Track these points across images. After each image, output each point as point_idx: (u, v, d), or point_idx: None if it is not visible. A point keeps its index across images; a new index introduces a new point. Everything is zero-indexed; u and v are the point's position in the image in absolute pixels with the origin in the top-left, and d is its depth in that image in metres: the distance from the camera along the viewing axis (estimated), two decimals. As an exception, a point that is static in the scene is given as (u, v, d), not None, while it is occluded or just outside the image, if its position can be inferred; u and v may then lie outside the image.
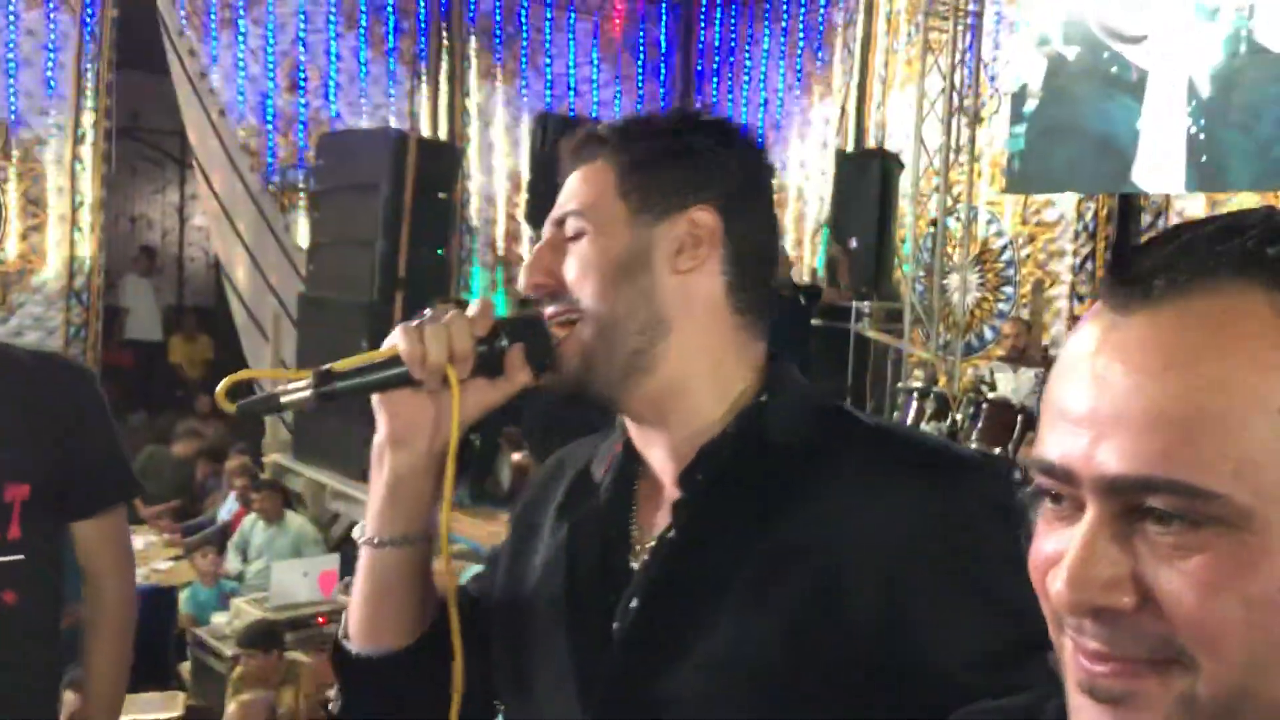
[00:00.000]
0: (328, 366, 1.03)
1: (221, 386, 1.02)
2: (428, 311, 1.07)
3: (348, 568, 6.34)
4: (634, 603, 1.05)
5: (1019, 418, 5.45)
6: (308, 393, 1.01)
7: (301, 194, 8.94)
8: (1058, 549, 0.58)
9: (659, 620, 1.04)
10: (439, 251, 7.81)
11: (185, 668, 6.01)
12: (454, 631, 1.07)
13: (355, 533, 1.10)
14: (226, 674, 5.39)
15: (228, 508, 7.93)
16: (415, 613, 1.11)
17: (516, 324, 1.09)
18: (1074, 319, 7.06)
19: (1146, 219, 7.35)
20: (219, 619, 5.87)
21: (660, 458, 1.11)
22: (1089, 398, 0.56)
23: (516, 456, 6.90)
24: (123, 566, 1.99)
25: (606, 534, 1.11)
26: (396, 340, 1.03)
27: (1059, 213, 7.88)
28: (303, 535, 7.05)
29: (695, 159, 1.09)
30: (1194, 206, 7.05)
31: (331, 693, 1.18)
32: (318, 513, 7.68)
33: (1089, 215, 7.70)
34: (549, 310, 1.08)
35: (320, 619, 5.77)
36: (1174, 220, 7.19)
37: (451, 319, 1.04)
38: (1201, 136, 6.35)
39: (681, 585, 1.04)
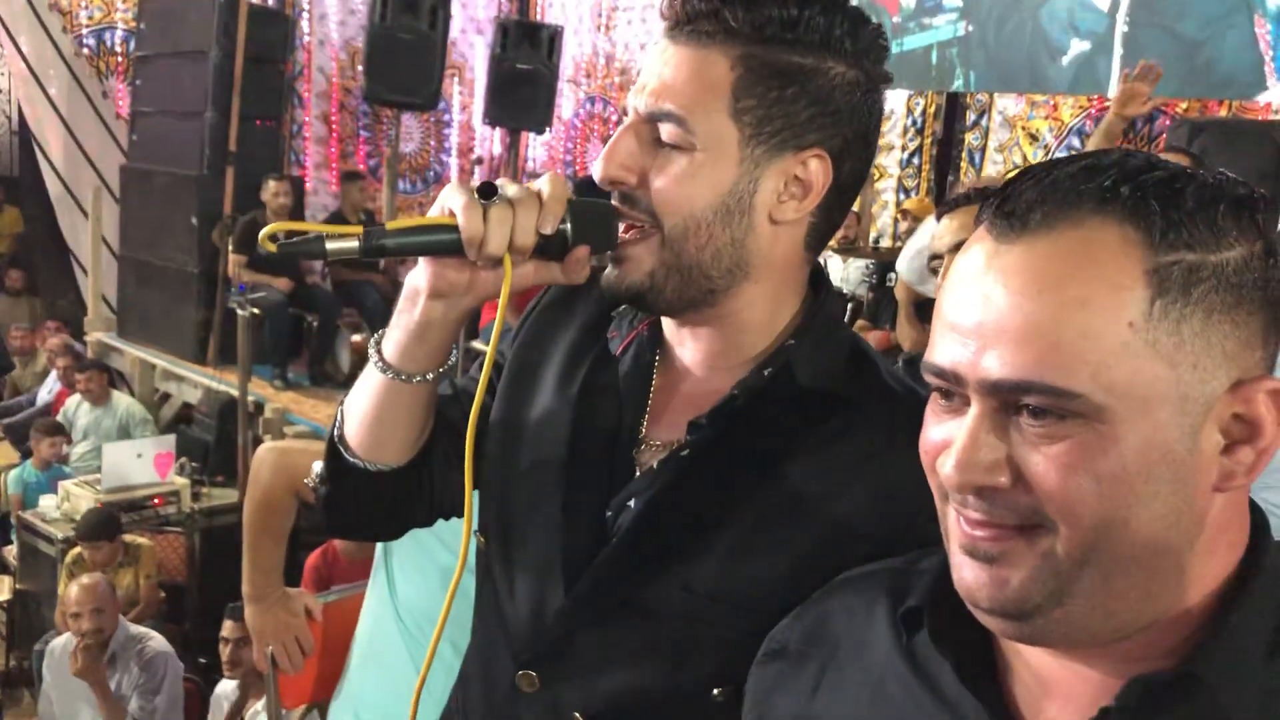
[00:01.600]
0: (382, 223, 0.98)
1: (265, 231, 0.96)
2: (499, 181, 0.99)
3: (184, 448, 6.23)
4: (632, 503, 1.06)
5: (848, 306, 5.71)
6: (355, 243, 0.96)
7: (119, 59, 8.40)
8: (945, 438, 0.70)
9: (653, 530, 1.04)
10: (272, 123, 7.53)
11: (11, 551, 5.84)
12: (468, 483, 1.05)
13: (371, 353, 1.08)
14: (57, 557, 5.27)
15: (48, 388, 7.62)
16: (416, 435, 1.12)
17: (587, 216, 1.00)
18: (901, 212, 7.35)
19: (972, 116, 7.67)
20: (47, 501, 5.71)
21: (691, 362, 1.09)
22: (975, 313, 0.67)
23: (356, 338, 6.84)
24: None
25: (618, 420, 1.09)
26: (457, 211, 0.96)
27: (889, 108, 8.13)
28: (130, 415, 6.85)
29: (826, 90, 0.98)
30: (1014, 107, 7.40)
31: (311, 479, 1.18)
32: (146, 392, 7.45)
33: (918, 111, 7.98)
34: (622, 208, 1.01)
35: (156, 500, 5.68)
36: (996, 119, 7.53)
37: (520, 203, 0.97)
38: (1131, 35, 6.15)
39: (682, 504, 1.04)
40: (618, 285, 1.03)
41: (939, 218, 2.11)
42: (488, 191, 0.97)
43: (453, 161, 10.23)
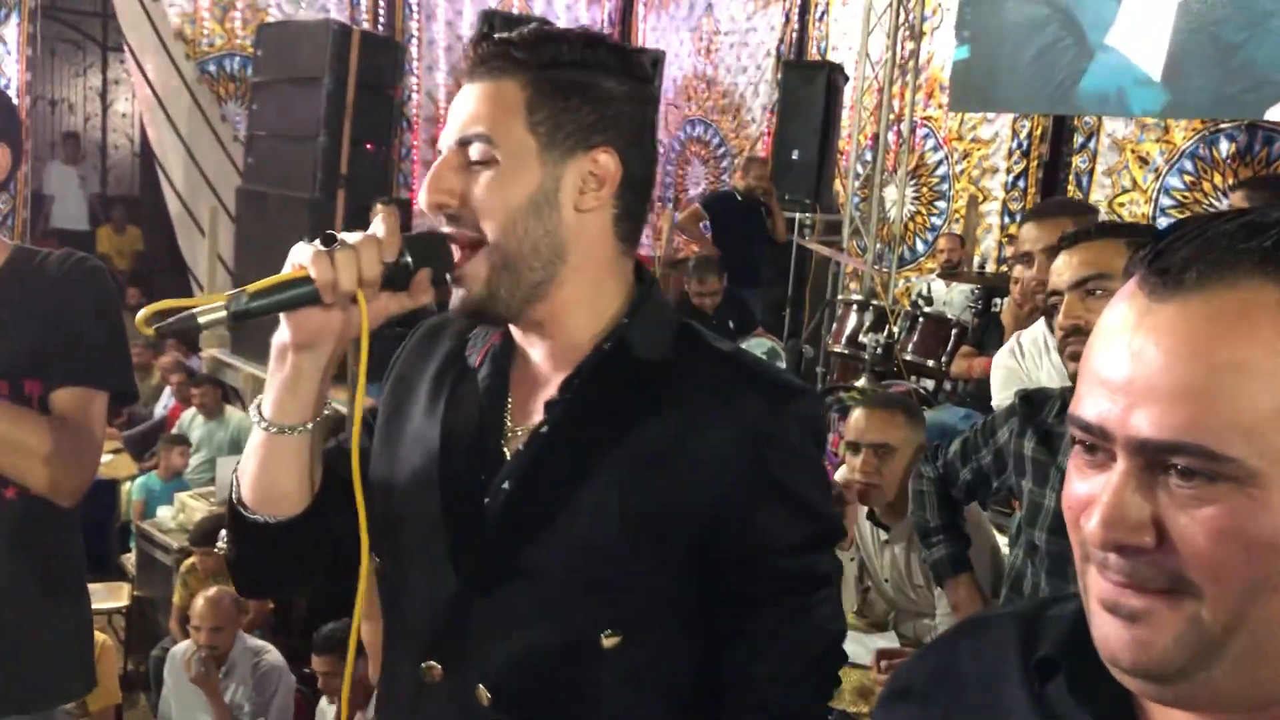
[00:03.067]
0: (240, 289, 1.07)
1: (141, 315, 1.05)
2: (338, 234, 1.12)
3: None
4: (506, 485, 1.19)
5: (953, 332, 5.63)
6: (223, 313, 1.06)
7: (238, 84, 8.71)
8: (1089, 493, 0.69)
9: (527, 502, 1.18)
10: (381, 148, 7.72)
11: (130, 560, 6.06)
12: (360, 512, 1.16)
13: (252, 415, 1.18)
14: (172, 566, 5.45)
15: (163, 402, 7.90)
16: (305, 484, 1.21)
17: (421, 245, 1.15)
18: (1007, 236, 7.24)
19: (1079, 139, 7.53)
20: (164, 512, 5.91)
21: (538, 358, 1.24)
22: (1125, 370, 0.67)
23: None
24: (80, 444, 1.86)
25: (482, 419, 1.23)
26: (305, 263, 1.08)
27: (994, 130, 8.03)
28: (243, 429, 7.06)
29: (603, 98, 1.17)
30: (1124, 130, 7.25)
31: (221, 542, 1.27)
32: (257, 408, 7.67)
33: (1024, 134, 7.86)
34: (449, 230, 1.16)
35: (267, 513, 5.83)
36: (1105, 142, 7.38)
37: (361, 244, 1.10)
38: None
39: (549, 474, 1.18)
40: (463, 303, 1.18)
41: (1058, 251, 2.06)
42: (329, 240, 1.10)
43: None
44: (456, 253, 1.16)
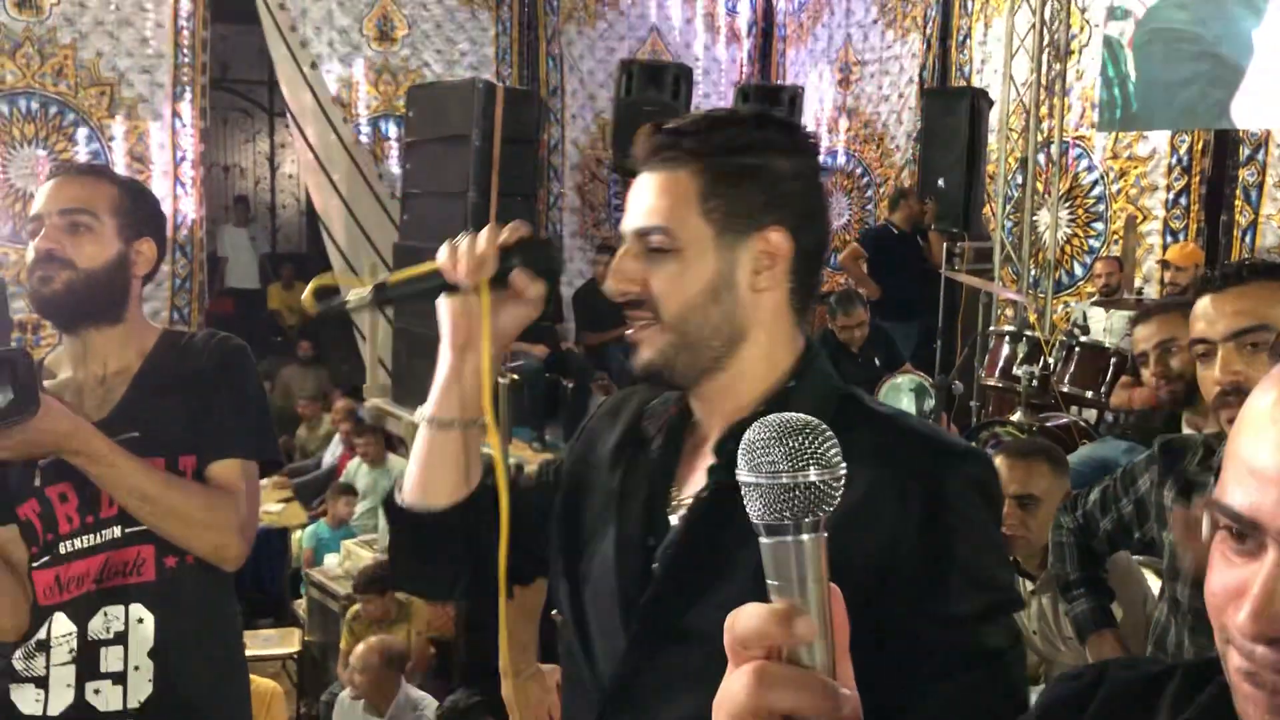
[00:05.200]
0: (383, 279, 1.32)
1: (305, 293, 1.30)
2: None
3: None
4: (669, 549, 1.23)
5: (1111, 361, 5.43)
6: (368, 297, 1.30)
7: (392, 144, 9.08)
8: (1237, 583, 0.68)
9: (690, 567, 1.20)
10: (528, 199, 7.93)
11: (301, 605, 6.32)
12: (502, 495, 1.31)
13: (416, 416, 1.34)
14: (340, 612, 5.67)
15: (331, 451, 8.23)
16: (461, 479, 1.36)
17: (528, 244, 1.32)
18: (1162, 263, 6.94)
19: (1246, 152, 7.17)
20: (331, 560, 6.15)
21: (708, 423, 1.29)
22: (1276, 458, 0.66)
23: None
24: (240, 509, 1.95)
25: (652, 486, 1.29)
26: (438, 257, 1.29)
27: (1151, 147, 7.72)
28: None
29: (773, 179, 1.21)
30: (1295, 139, 6.88)
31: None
32: (418, 456, 7.92)
33: (1183, 149, 7.53)
34: (631, 314, 1.25)
35: (427, 560, 6.02)
36: (1275, 154, 7.01)
37: (475, 236, 1.29)
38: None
39: (710, 538, 1.20)
40: (638, 365, 1.25)
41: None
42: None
43: (700, 222, 10.42)
44: (637, 323, 1.24)
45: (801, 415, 0.74)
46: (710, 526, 1.21)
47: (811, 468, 0.72)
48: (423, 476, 1.37)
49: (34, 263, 1.90)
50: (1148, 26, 6.68)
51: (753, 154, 1.21)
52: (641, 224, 1.22)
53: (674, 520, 1.25)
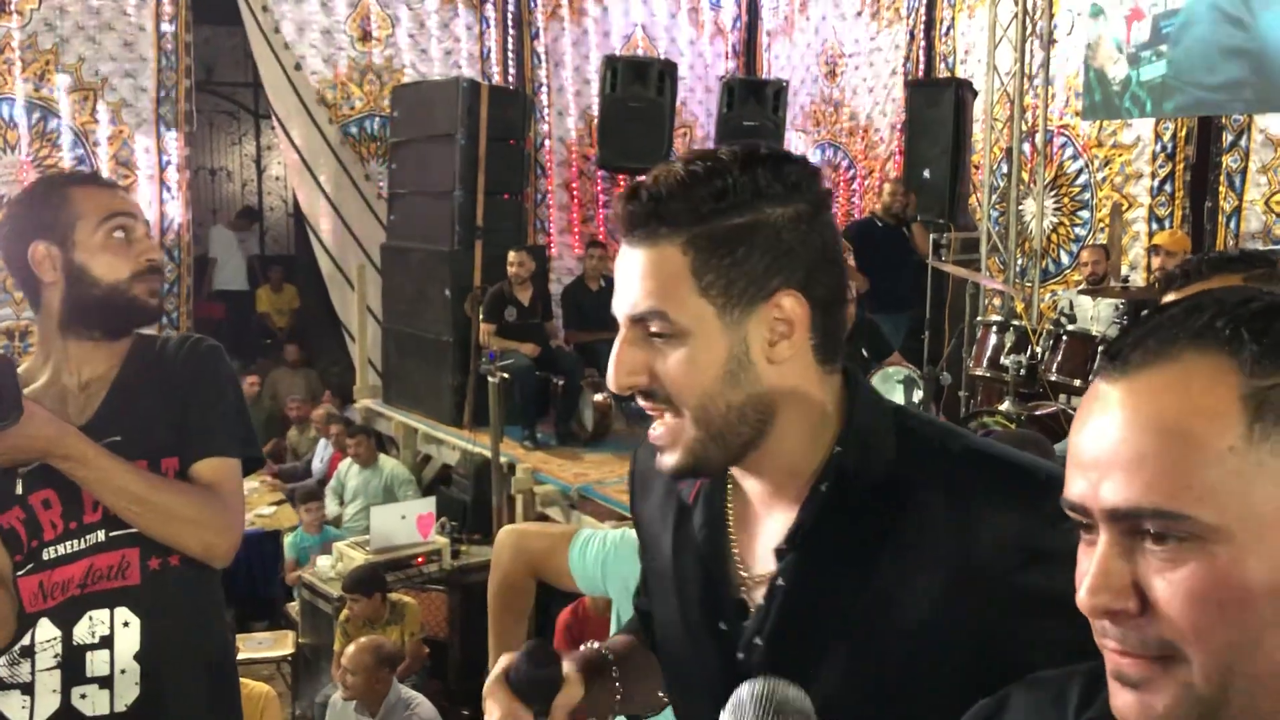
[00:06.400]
0: None
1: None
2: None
3: (444, 508, 6.60)
4: (757, 640, 1.14)
5: (1099, 349, 5.45)
6: None
7: (378, 144, 9.07)
8: (1085, 567, 0.74)
9: (782, 656, 1.12)
10: (515, 197, 7.93)
11: (294, 608, 6.33)
12: None
13: None
14: (333, 614, 5.67)
15: (320, 454, 8.23)
16: None
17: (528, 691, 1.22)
18: (1152, 248, 6.96)
19: (1229, 138, 7.20)
20: (323, 561, 6.15)
21: (757, 493, 1.18)
22: (1093, 449, 0.73)
23: (598, 398, 7.07)
24: (226, 507, 1.98)
25: (707, 565, 1.20)
26: None
27: (1135, 134, 7.74)
28: (396, 477, 7.32)
29: (772, 236, 1.06)
30: (1277, 125, 6.90)
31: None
32: (409, 455, 7.94)
33: (1167, 136, 7.56)
34: (645, 404, 1.12)
35: (419, 559, 6.03)
36: (1257, 139, 7.04)
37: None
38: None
39: (798, 628, 1.13)
40: (668, 470, 1.13)
41: (1168, 289, 1.97)
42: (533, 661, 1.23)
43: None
44: (656, 415, 1.12)
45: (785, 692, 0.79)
46: (793, 615, 1.13)
47: None
48: None
49: (146, 273, 1.94)
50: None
51: (743, 210, 1.05)
52: (635, 310, 1.08)
53: (749, 603, 1.16)
